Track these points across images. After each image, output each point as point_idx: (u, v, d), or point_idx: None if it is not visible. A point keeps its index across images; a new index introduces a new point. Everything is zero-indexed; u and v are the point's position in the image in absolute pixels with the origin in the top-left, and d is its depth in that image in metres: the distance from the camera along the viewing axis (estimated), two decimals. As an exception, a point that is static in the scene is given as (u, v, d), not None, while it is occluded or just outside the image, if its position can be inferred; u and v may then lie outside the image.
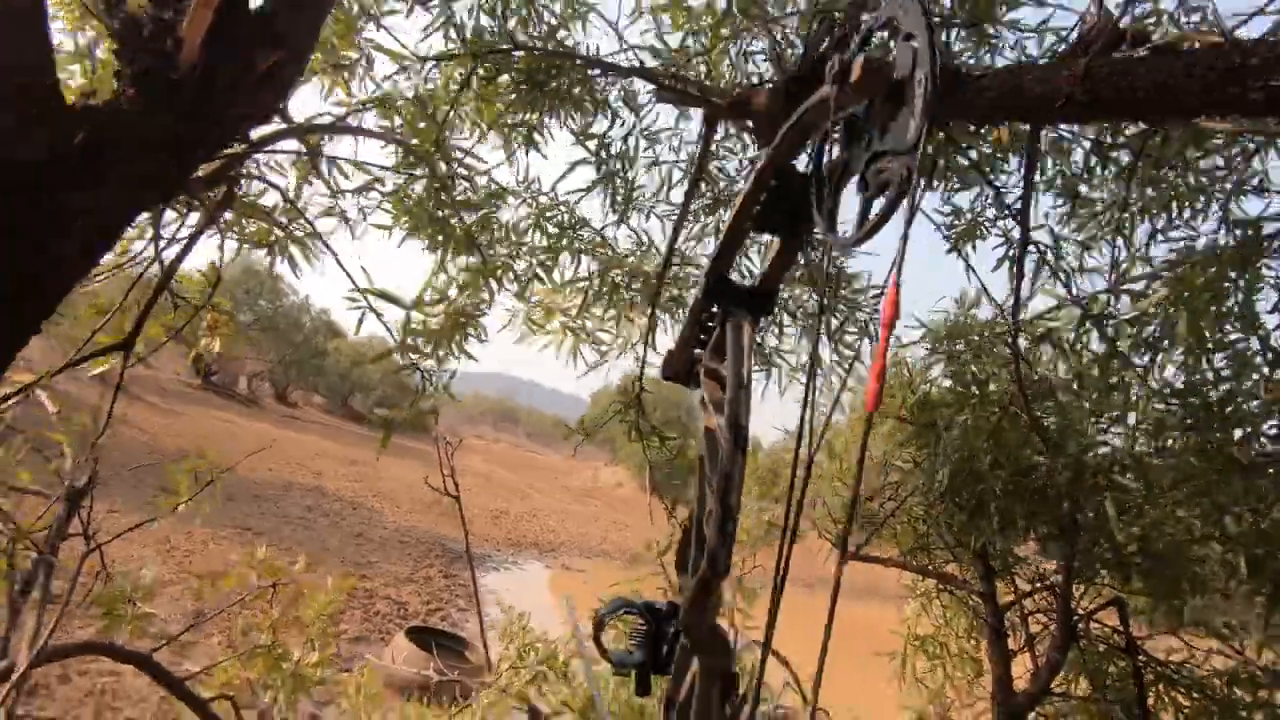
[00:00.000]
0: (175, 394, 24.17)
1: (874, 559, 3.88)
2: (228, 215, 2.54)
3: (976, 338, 3.11)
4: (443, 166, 2.31)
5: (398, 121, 2.51)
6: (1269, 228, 2.13)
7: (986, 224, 2.54)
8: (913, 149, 0.77)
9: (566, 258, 2.83)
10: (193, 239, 1.86)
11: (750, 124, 2.17)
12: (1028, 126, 2.02)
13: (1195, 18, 1.49)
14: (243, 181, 2.56)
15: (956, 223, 2.65)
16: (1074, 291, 2.31)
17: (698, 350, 1.19)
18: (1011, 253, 2.31)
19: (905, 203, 0.78)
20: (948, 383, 3.32)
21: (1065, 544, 3.20)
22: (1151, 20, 1.52)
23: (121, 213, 1.24)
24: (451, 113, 2.31)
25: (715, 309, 1.16)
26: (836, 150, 0.97)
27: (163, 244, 1.92)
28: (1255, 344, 2.25)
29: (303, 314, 30.83)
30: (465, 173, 2.41)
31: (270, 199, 2.55)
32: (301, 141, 2.17)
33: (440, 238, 2.39)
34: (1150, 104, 1.29)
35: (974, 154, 2.37)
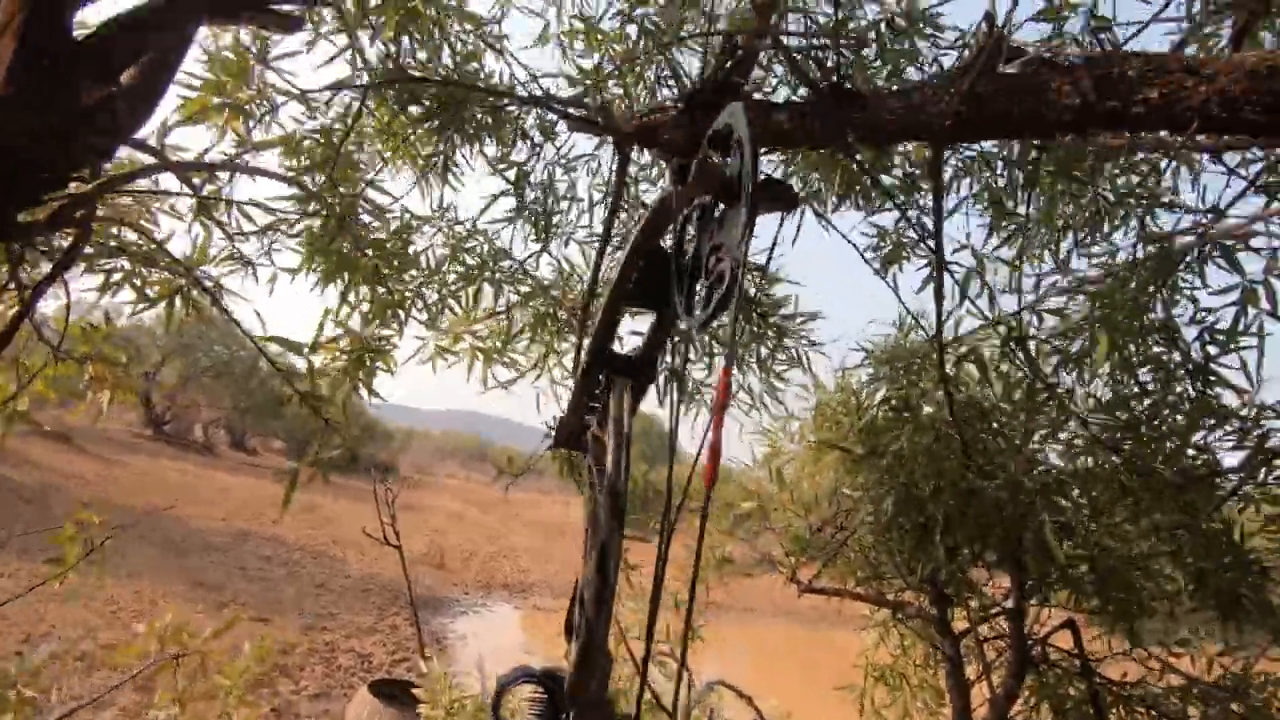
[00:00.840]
0: (125, 445, 23.29)
1: (826, 590, 3.78)
2: (126, 264, 2.40)
3: (916, 361, 3.08)
4: (340, 194, 2.20)
5: (305, 163, 2.41)
6: (1181, 242, 2.14)
7: (909, 246, 2.51)
8: (737, 247, 0.85)
9: (487, 289, 2.74)
10: (42, 285, 1.71)
11: (660, 149, 2.12)
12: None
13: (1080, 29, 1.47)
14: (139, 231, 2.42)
15: (881, 244, 2.63)
16: (997, 312, 2.29)
17: (588, 416, 1.24)
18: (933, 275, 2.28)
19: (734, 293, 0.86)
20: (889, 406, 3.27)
21: (1013, 567, 3.14)
22: (1040, 39, 1.50)
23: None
24: (344, 144, 2.21)
25: (601, 378, 1.22)
26: (693, 235, 1.05)
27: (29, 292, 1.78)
28: (1177, 358, 2.24)
29: (259, 359, 30.06)
30: (367, 205, 2.31)
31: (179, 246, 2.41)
32: (184, 182, 2.04)
33: (344, 272, 2.27)
34: (1036, 119, 1.25)
35: (889, 178, 2.34)
